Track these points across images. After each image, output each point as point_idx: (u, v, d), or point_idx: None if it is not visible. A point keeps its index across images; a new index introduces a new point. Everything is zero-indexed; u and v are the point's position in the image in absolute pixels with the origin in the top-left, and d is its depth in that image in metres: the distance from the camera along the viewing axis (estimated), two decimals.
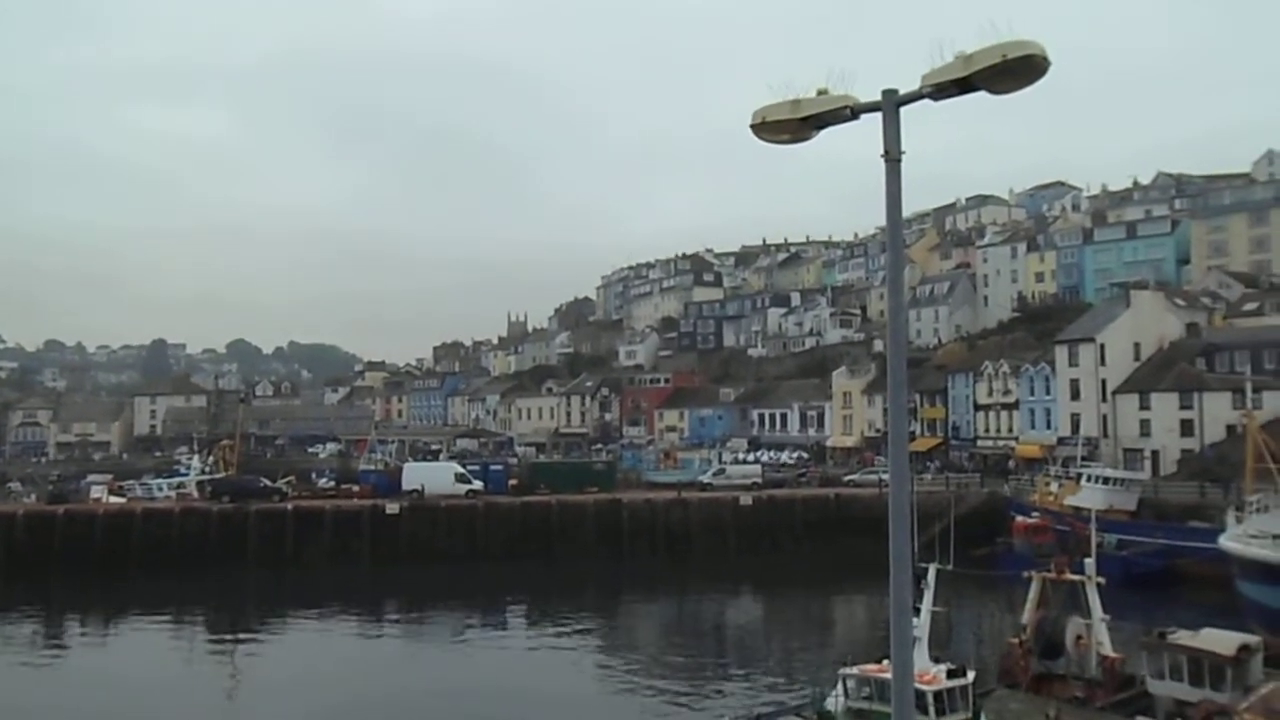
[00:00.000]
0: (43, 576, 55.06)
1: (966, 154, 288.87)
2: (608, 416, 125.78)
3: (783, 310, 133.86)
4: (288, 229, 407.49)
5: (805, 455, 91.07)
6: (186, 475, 72.54)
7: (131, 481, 74.21)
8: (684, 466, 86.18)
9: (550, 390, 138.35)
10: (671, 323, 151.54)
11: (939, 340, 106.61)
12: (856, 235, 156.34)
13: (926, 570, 24.15)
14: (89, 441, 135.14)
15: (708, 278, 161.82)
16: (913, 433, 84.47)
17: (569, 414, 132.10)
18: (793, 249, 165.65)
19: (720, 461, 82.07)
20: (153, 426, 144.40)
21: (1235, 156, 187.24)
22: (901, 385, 6.96)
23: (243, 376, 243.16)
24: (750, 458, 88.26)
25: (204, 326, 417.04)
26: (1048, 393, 76.72)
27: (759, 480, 70.74)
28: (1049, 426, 76.08)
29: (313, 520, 60.86)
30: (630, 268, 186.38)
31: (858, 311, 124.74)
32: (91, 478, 75.91)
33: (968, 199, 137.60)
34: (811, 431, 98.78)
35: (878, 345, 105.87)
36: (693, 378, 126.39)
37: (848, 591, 52.29)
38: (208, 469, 74.21)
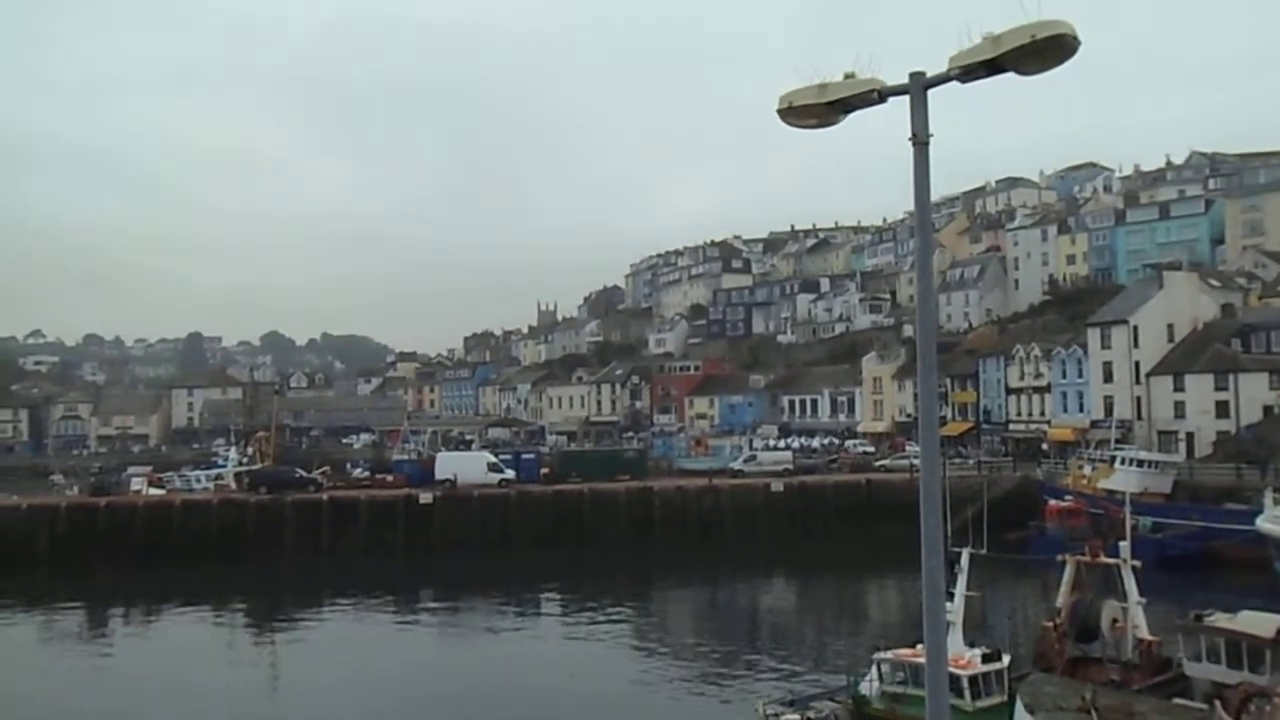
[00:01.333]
0: (86, 567, 55.71)
1: (996, 136, 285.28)
2: (638, 404, 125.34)
3: (812, 296, 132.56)
4: (318, 221, 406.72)
5: (838, 441, 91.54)
6: (224, 467, 73.24)
7: (170, 473, 75.20)
8: (715, 454, 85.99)
9: (580, 379, 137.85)
10: (701, 310, 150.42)
11: (969, 324, 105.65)
12: (885, 220, 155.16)
13: (960, 555, 24.16)
14: (128, 434, 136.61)
15: (736, 264, 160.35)
16: (944, 417, 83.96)
17: (599, 402, 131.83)
18: (821, 235, 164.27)
19: (751, 448, 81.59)
20: (190, 419, 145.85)
21: (1272, 129, 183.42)
22: (932, 370, 6.90)
23: (277, 368, 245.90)
24: (781, 445, 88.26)
25: (238, 320, 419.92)
26: (1080, 376, 75.76)
27: (790, 467, 70.46)
28: (1081, 410, 75.19)
29: (348, 510, 60.95)
30: (659, 255, 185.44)
31: (887, 296, 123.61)
32: (132, 470, 76.80)
33: (997, 181, 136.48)
34: (842, 417, 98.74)
35: (907, 330, 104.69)
36: (723, 365, 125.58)
37: (881, 577, 52.08)
38: (245, 460, 74.78)
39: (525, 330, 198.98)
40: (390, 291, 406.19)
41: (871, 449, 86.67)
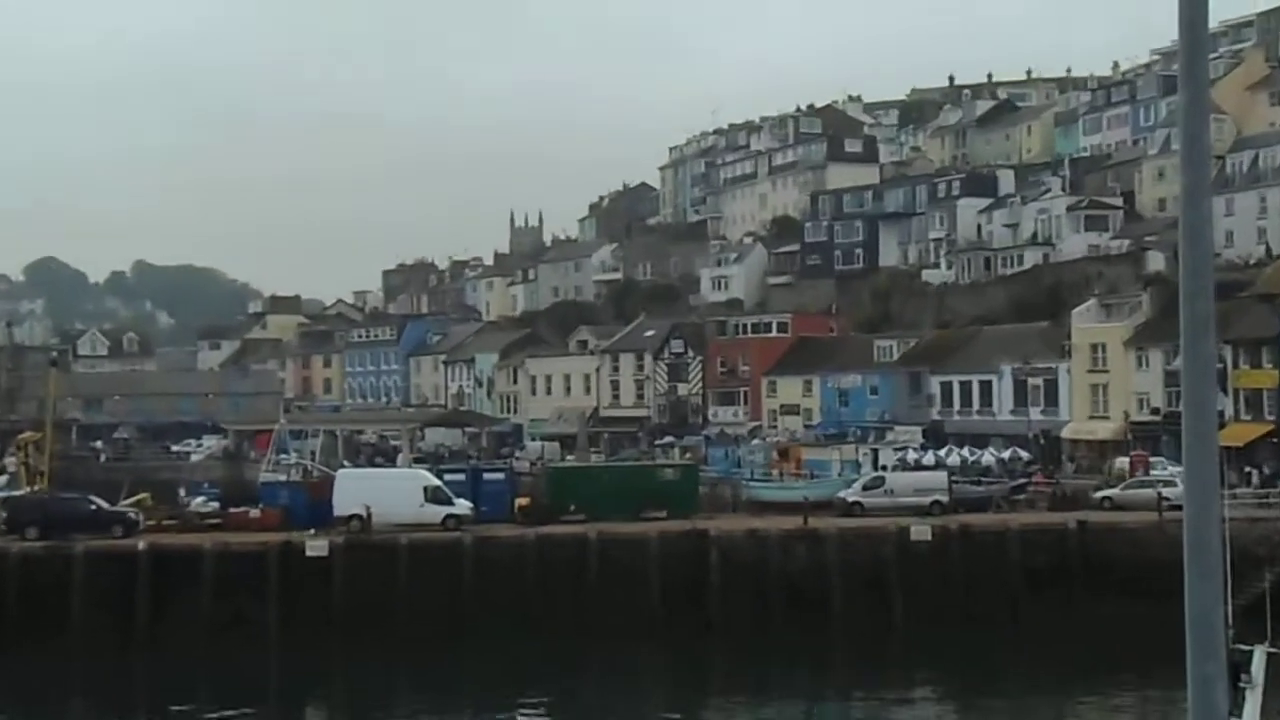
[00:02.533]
0: None
1: None
2: (682, 389, 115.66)
3: (983, 202, 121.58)
4: (127, 75, 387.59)
5: (1026, 455, 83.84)
6: None
7: None
8: (815, 475, 79.70)
9: (585, 344, 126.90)
10: (789, 226, 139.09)
11: (1268, 250, 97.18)
12: (1117, 67, 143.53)
13: (1250, 656, 12.62)
14: None
15: (852, 147, 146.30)
16: (1221, 414, 71.45)
17: (616, 384, 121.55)
18: (1002, 93, 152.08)
19: (877, 466, 77.55)
20: None
21: None
22: (1206, 331, 6.08)
23: (55, 321, 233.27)
24: (928, 459, 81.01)
25: None
26: None
27: (942, 498, 64.85)
28: None
29: (182, 568, 56.08)
30: (718, 133, 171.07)
31: (1117, 201, 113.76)
32: None
33: None
34: (1036, 413, 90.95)
35: (1155, 261, 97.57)
36: (826, 321, 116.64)
37: (1106, 690, 48.56)
38: (4, 480, 71.73)
39: (488, 261, 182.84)
40: (256, 199, 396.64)
41: (1086, 469, 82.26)
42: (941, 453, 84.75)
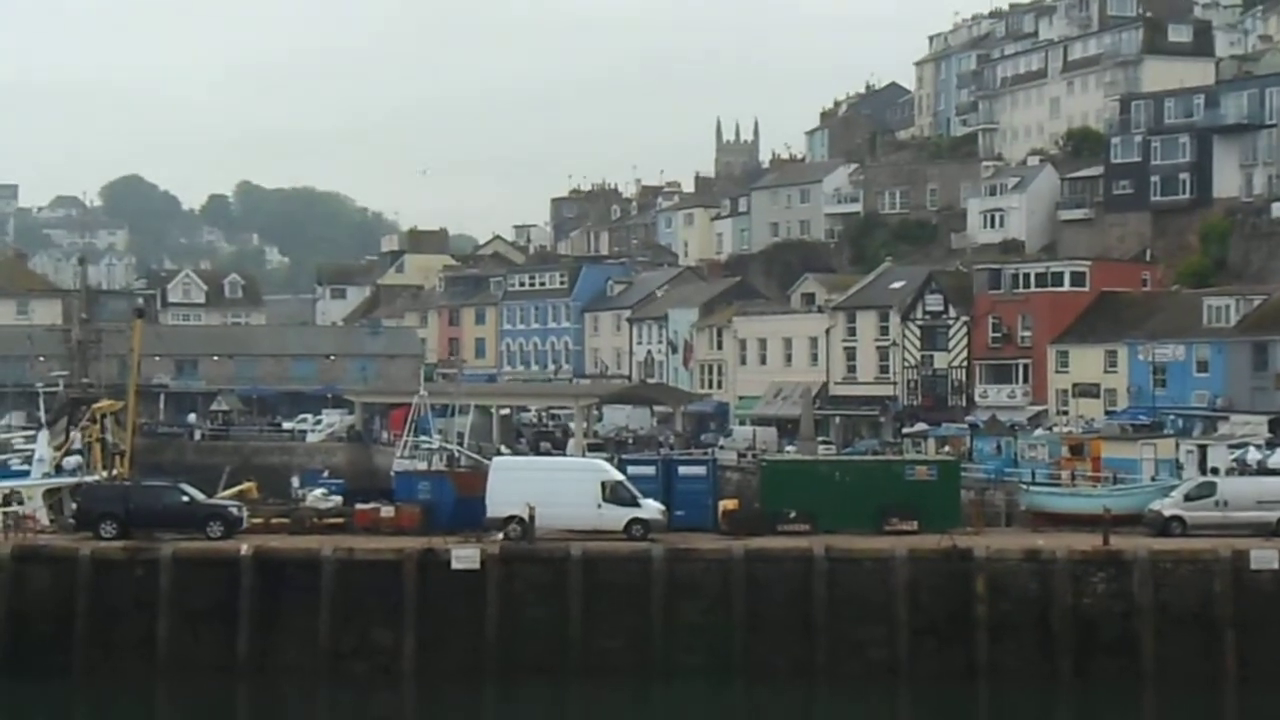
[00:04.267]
0: None
1: None
2: (940, 360, 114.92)
3: None
4: None
5: None
6: (23, 477, 68.56)
7: None
8: (1118, 478, 78.13)
9: (812, 299, 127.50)
10: (1091, 143, 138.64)
11: None
12: None
13: None
14: None
15: (1178, 35, 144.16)
16: None
17: (852, 352, 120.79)
18: None
19: (1205, 469, 74.31)
20: None
21: None
22: None
23: (140, 258, 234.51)
24: (1276, 459, 76.57)
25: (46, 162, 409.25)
26: None
27: None
28: None
29: (295, 579, 56.87)
30: (995, 16, 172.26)
31: None
32: None
33: None
34: None
35: None
36: (1138, 271, 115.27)
37: None
38: (70, 462, 69.84)
39: (687, 188, 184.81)
40: (390, 109, 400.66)
41: None
42: None
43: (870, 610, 57.20)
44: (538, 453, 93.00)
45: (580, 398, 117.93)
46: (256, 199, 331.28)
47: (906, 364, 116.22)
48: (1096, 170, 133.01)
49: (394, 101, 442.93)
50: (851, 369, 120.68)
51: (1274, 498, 63.82)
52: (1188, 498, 64.08)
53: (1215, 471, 73.28)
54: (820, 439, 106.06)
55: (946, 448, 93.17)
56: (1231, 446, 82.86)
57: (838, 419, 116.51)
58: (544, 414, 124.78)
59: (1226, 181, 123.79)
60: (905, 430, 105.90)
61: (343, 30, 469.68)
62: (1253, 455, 79.34)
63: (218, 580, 57.47)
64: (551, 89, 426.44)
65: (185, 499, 63.23)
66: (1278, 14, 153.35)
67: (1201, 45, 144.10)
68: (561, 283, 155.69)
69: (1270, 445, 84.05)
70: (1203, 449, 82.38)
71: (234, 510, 63.65)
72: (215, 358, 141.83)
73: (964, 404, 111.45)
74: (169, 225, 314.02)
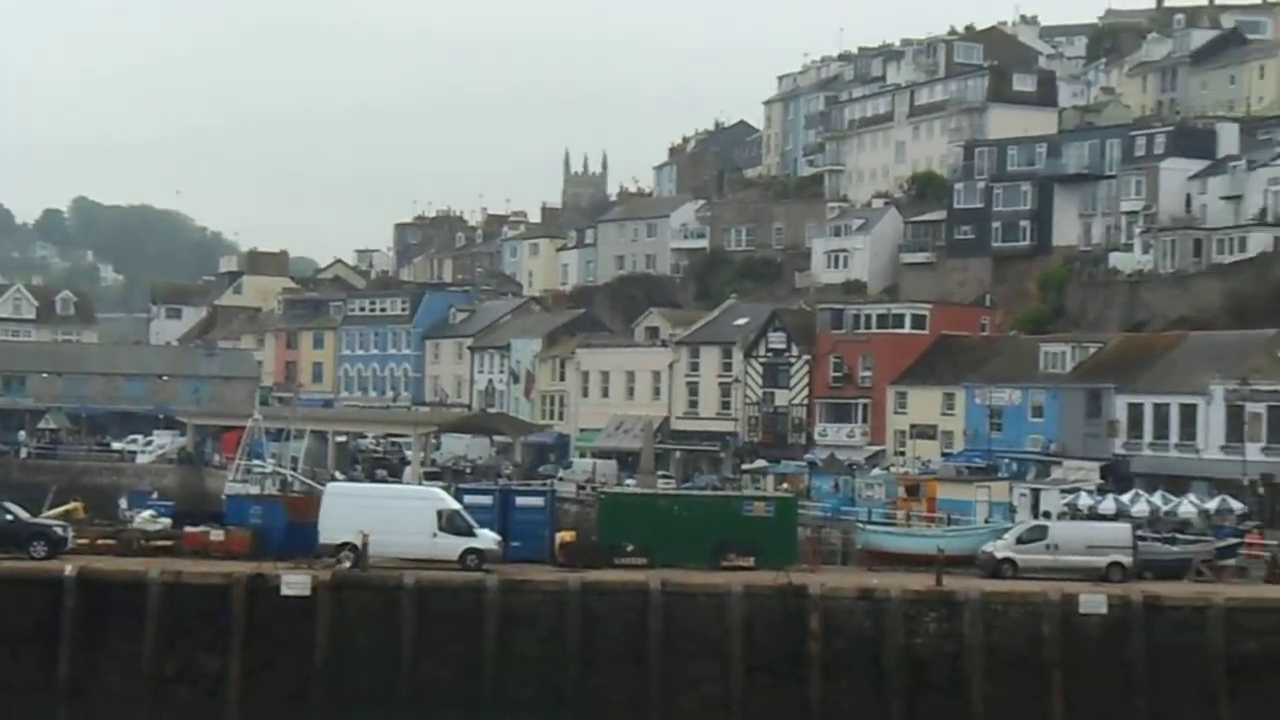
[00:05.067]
0: None
1: None
2: (781, 397, 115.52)
3: (1197, 165, 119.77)
4: None
5: (1238, 505, 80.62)
6: None
7: None
8: (953, 518, 79.75)
9: (655, 333, 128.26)
10: (934, 188, 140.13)
11: None
12: None
13: None
14: None
15: (1023, 84, 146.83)
16: None
17: (695, 387, 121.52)
18: (1227, 20, 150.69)
19: (1037, 513, 76.66)
20: None
21: None
22: None
23: None
24: (1107, 505, 78.99)
25: None
26: None
27: (1124, 560, 63.47)
28: None
29: (120, 602, 55.80)
30: (844, 59, 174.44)
31: None
32: None
33: None
34: (1254, 451, 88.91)
35: None
36: (978, 316, 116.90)
37: None
38: None
39: (534, 218, 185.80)
40: (244, 133, 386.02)
41: None
42: (1125, 498, 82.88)
43: (705, 646, 57.02)
44: (373, 480, 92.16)
45: (419, 425, 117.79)
46: (92, 215, 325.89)
47: (748, 400, 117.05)
48: (939, 215, 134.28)
49: (235, 119, 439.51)
50: (693, 404, 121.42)
51: (1104, 543, 64.58)
52: (1020, 540, 64.75)
53: (1047, 515, 74.48)
54: (660, 473, 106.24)
55: (785, 485, 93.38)
56: (1064, 491, 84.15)
57: (678, 453, 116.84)
58: (381, 441, 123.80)
59: (1066, 230, 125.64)
60: (745, 466, 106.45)
61: (180, 43, 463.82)
62: (1084, 500, 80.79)
63: (40, 601, 56.18)
64: (398, 110, 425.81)
65: (9, 517, 61.75)
66: (1119, 67, 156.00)
67: (1045, 95, 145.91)
68: (403, 309, 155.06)
69: (1101, 491, 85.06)
70: (1036, 493, 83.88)
71: (59, 530, 62.38)
72: (44, 375, 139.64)
73: (804, 442, 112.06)
74: (1, 239, 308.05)
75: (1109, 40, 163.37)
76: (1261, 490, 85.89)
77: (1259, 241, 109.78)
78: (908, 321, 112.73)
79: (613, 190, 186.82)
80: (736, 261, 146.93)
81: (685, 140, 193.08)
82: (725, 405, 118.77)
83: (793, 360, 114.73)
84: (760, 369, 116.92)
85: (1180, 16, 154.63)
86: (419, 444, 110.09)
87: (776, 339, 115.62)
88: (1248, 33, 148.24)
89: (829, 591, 58.51)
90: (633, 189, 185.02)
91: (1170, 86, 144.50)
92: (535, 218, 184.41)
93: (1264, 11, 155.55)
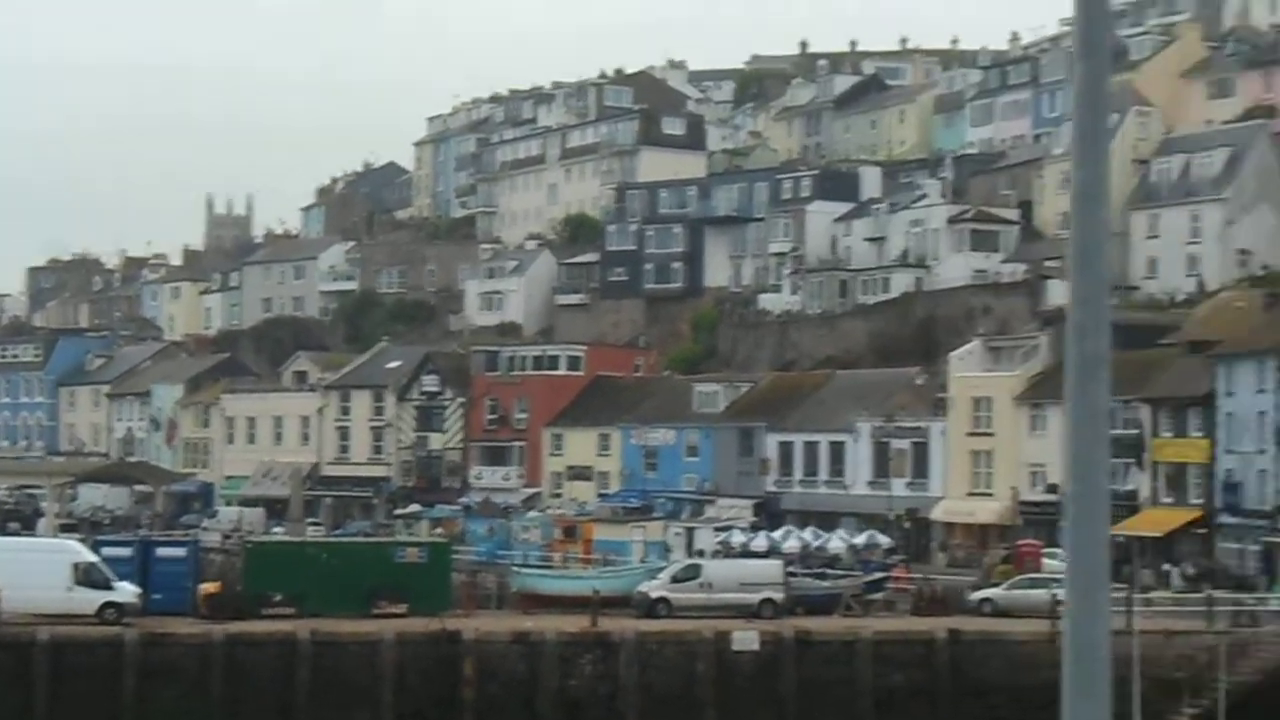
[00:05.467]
0: None
1: None
2: (435, 441, 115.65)
3: (841, 208, 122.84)
4: None
5: (885, 540, 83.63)
6: None
7: None
8: (609, 559, 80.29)
9: (304, 377, 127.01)
10: (587, 230, 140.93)
11: (1201, 285, 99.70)
12: (1016, 40, 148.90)
13: None
14: None
15: (672, 127, 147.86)
16: (1133, 493, 79.25)
17: (346, 432, 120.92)
18: (868, 67, 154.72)
19: (691, 552, 77.87)
20: None
21: None
22: (1097, 374, 6.06)
23: None
24: (759, 543, 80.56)
25: None
26: None
27: (775, 596, 65.07)
28: None
29: None
30: (495, 101, 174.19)
31: (1011, 213, 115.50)
32: None
33: None
34: (900, 486, 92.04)
35: (1057, 292, 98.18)
36: (631, 357, 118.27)
37: None
38: None
39: (175, 261, 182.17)
40: None
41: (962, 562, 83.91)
42: (777, 535, 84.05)
43: (355, 695, 56.51)
44: (5, 533, 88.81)
45: (53, 476, 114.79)
46: None
47: (401, 444, 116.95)
48: (593, 257, 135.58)
49: None
50: (344, 449, 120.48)
51: (756, 580, 65.57)
52: (674, 579, 65.35)
53: (701, 554, 75.26)
54: (310, 520, 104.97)
55: (440, 530, 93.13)
56: (718, 529, 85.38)
57: (329, 500, 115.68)
58: (14, 492, 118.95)
59: (717, 271, 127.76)
60: (398, 511, 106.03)
61: None
62: (737, 538, 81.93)
63: None
64: (25, 140, 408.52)
65: None
66: (766, 111, 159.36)
67: (694, 138, 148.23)
68: (36, 355, 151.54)
69: (754, 528, 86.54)
70: (690, 532, 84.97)
71: None
72: None
73: (459, 485, 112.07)
74: None
75: (755, 85, 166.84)
76: (907, 524, 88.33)
77: (901, 282, 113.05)
78: (563, 363, 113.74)
79: (259, 233, 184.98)
80: (388, 304, 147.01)
81: (334, 181, 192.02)
82: (378, 450, 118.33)
83: (447, 403, 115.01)
84: (414, 412, 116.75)
85: (824, 62, 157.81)
86: (54, 495, 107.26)
87: (430, 382, 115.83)
88: (888, 79, 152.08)
89: (483, 636, 58.51)
90: (280, 231, 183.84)
91: (815, 130, 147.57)
92: (177, 260, 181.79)
93: (903, 58, 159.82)
